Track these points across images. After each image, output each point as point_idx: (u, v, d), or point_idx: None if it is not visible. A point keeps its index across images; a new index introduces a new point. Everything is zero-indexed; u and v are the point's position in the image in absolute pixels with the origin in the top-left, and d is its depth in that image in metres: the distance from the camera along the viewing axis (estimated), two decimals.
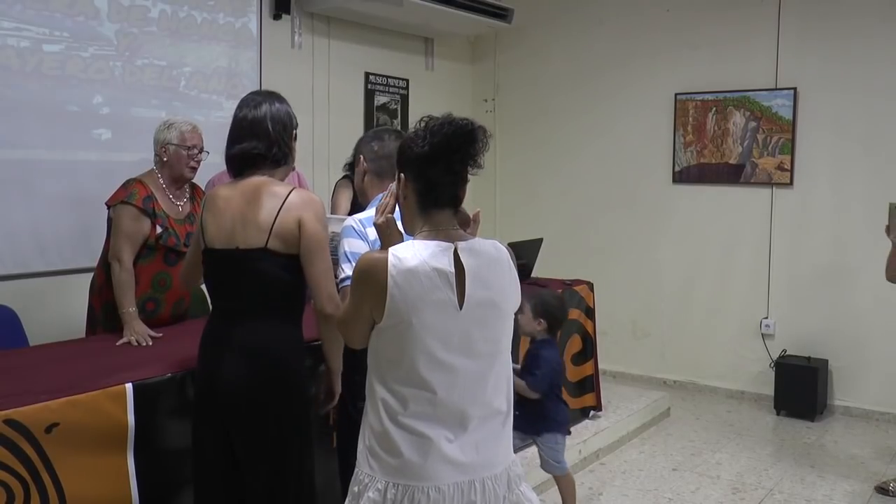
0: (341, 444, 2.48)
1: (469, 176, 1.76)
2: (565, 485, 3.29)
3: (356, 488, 1.75)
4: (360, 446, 1.78)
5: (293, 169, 2.37)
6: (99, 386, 2.18)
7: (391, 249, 1.70)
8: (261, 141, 2.15)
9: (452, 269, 1.68)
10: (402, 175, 1.75)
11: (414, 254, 1.68)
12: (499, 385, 1.76)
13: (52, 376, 2.31)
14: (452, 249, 1.70)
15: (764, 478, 3.99)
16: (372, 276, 1.68)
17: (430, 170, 1.71)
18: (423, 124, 1.73)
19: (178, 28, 4.16)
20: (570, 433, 3.37)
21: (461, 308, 1.68)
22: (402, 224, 1.81)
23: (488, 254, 1.75)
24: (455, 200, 1.75)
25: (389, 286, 1.65)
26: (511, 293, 1.78)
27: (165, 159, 2.99)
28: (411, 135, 1.74)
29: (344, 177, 3.94)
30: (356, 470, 1.78)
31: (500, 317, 1.75)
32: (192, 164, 3.01)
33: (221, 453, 2.14)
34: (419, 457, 1.68)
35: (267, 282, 2.11)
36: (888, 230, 3.71)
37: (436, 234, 1.72)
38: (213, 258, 2.18)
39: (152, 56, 4.05)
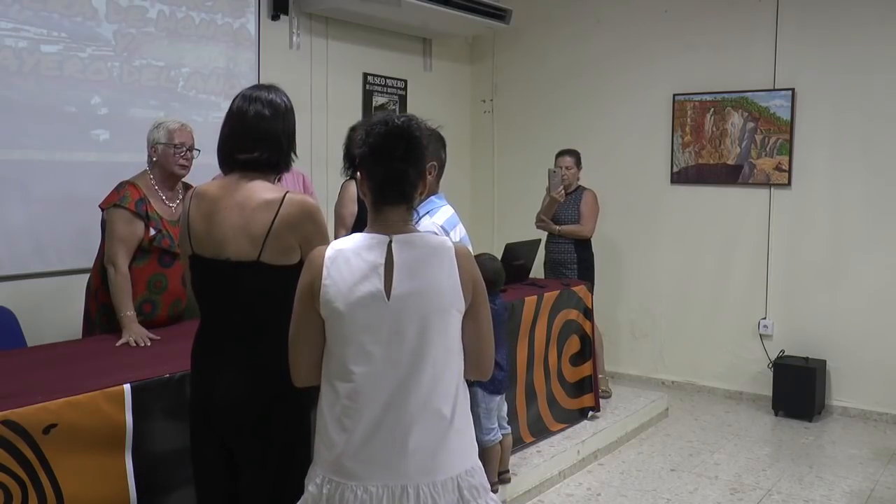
0: None
1: (429, 170, 1.80)
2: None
3: (307, 480, 1.79)
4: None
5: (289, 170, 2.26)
6: (97, 387, 2.17)
7: (333, 242, 1.78)
8: (274, 152, 2.04)
9: (382, 261, 1.70)
10: (359, 173, 1.79)
11: (351, 246, 1.73)
12: (439, 387, 1.70)
13: (50, 377, 2.30)
14: (387, 242, 1.72)
15: (762, 478, 3.99)
16: (311, 267, 1.73)
17: (373, 169, 1.74)
18: (365, 124, 1.77)
19: (176, 28, 4.16)
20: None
21: (389, 299, 1.68)
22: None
23: (427, 247, 1.74)
24: (403, 196, 1.75)
25: (324, 276, 1.70)
26: (446, 288, 1.71)
27: (155, 159, 3.01)
28: (356, 136, 1.78)
29: (351, 178, 3.90)
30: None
31: (434, 311, 1.70)
32: (182, 161, 3.00)
33: (221, 467, 2.08)
34: (349, 454, 1.68)
35: (260, 295, 2.01)
36: (548, 190, 4.76)
37: (381, 227, 1.75)
38: (203, 267, 2.06)
39: (150, 56, 4.04)
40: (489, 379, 2.42)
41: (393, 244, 1.72)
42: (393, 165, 1.72)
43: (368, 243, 1.73)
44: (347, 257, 1.71)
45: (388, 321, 1.68)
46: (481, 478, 1.78)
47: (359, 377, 1.69)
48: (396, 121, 1.74)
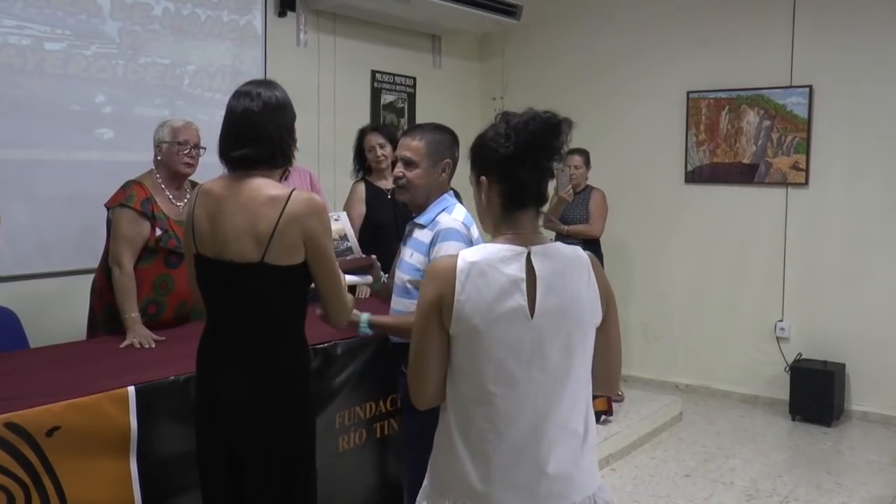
0: (411, 454, 2.37)
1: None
2: None
3: (424, 502, 1.70)
4: (431, 460, 1.71)
5: (291, 165, 2.23)
6: (101, 389, 2.15)
7: (461, 253, 1.64)
8: (263, 147, 1.99)
9: (523, 276, 1.59)
10: (483, 178, 1.66)
11: (484, 258, 1.61)
12: (575, 404, 1.64)
13: (54, 379, 2.29)
14: (525, 254, 1.61)
15: (779, 484, 3.91)
16: (439, 280, 1.61)
17: (517, 170, 1.62)
18: (503, 123, 1.65)
19: (181, 26, 4.12)
20: None
21: (532, 317, 1.58)
22: (483, 227, 1.76)
23: (565, 258, 1.65)
24: (540, 198, 1.67)
25: (457, 292, 1.58)
26: (587, 302, 1.65)
27: (160, 158, 2.99)
28: (492, 134, 1.64)
29: (361, 178, 3.93)
30: (425, 482, 1.73)
31: (575, 327, 1.62)
32: (186, 159, 2.97)
33: (226, 469, 2.06)
34: (485, 479, 1.60)
35: (265, 297, 1.99)
36: (556, 189, 4.68)
37: (514, 237, 1.64)
38: (206, 267, 2.04)
39: (155, 54, 4.00)
40: None
41: (532, 256, 1.61)
42: (540, 164, 1.63)
43: (504, 255, 1.61)
44: (483, 270, 1.58)
45: (530, 339, 1.58)
46: (610, 494, 1.73)
47: (499, 399, 1.59)
48: (543, 115, 1.65)
